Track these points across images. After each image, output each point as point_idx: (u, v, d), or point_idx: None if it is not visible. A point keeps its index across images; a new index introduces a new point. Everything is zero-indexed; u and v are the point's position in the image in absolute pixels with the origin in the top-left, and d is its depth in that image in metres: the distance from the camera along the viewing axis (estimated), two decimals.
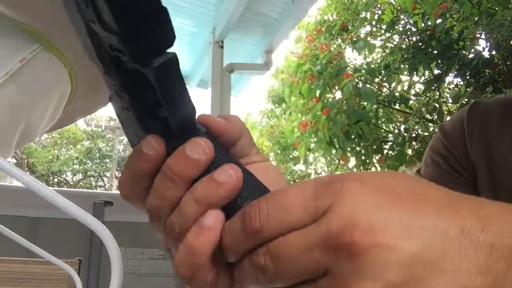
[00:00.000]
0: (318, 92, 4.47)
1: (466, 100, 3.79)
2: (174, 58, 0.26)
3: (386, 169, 4.47)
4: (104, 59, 0.27)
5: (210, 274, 0.29)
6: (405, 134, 4.36)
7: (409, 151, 4.36)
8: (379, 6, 4.62)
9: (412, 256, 0.22)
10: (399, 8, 4.27)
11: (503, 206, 0.25)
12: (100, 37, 0.26)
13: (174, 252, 0.30)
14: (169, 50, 0.26)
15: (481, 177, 0.65)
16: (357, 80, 4.26)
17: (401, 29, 4.44)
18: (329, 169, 6.06)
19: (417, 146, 4.23)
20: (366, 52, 4.70)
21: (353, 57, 5.91)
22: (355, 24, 4.63)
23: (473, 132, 0.67)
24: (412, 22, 4.17)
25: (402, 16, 4.33)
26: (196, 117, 0.31)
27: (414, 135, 4.34)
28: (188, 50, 3.54)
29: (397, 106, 4.62)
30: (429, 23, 3.99)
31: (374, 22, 4.64)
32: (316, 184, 0.25)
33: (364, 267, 0.22)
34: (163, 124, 0.28)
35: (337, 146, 4.30)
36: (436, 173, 0.68)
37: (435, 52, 3.85)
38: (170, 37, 0.25)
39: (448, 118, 4.06)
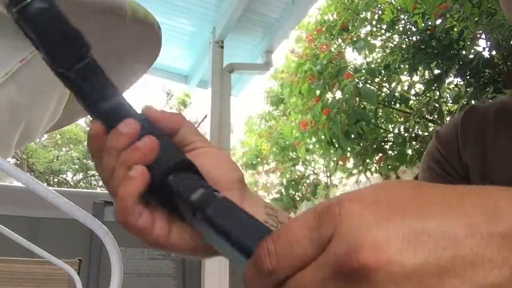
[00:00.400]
0: (318, 92, 4.47)
1: (466, 100, 3.79)
2: (90, 62, 0.34)
3: (386, 169, 4.47)
4: (56, 75, 0.35)
5: (141, 219, 0.35)
6: (405, 134, 4.37)
7: (409, 151, 4.36)
8: (379, 6, 4.62)
9: (420, 266, 0.22)
10: (399, 8, 4.27)
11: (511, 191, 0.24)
12: (43, 57, 0.34)
13: None
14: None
15: (474, 180, 0.65)
16: (357, 80, 4.25)
17: (401, 29, 4.43)
18: (328, 169, 6.06)
19: (417, 146, 4.23)
20: (367, 52, 4.70)
21: (353, 57, 5.91)
22: (355, 24, 4.63)
23: (467, 136, 0.68)
24: (412, 22, 4.17)
25: (402, 16, 4.32)
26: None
27: (414, 135, 4.34)
28: (188, 50, 3.54)
29: (397, 106, 4.62)
30: (429, 23, 3.98)
31: (374, 22, 4.64)
32: (316, 212, 0.25)
33: (378, 287, 0.22)
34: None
35: (336, 146, 4.30)
36: (432, 178, 0.69)
37: (435, 52, 3.84)
38: (81, 46, 0.34)
39: (448, 118, 4.05)
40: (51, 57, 0.33)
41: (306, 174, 6.25)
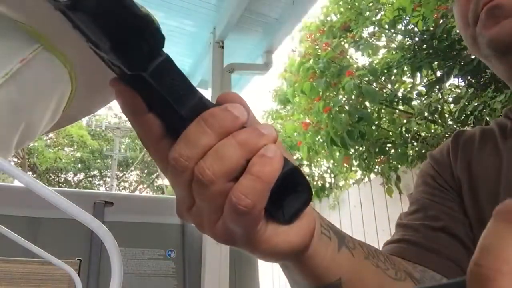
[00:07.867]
0: (320, 90, 4.46)
1: (467, 101, 3.78)
2: (166, 60, 0.29)
3: (387, 170, 4.46)
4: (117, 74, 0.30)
5: (262, 229, 0.33)
6: (407, 135, 4.36)
7: (410, 152, 4.35)
8: (381, 7, 4.61)
9: None
10: (400, 8, 4.25)
11: None
12: (102, 56, 0.28)
13: (201, 201, 0.32)
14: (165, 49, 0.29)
15: (464, 191, 0.73)
16: (359, 80, 4.24)
17: (403, 28, 4.42)
18: (332, 170, 6.05)
19: (419, 147, 4.22)
20: (370, 52, 4.68)
21: (356, 57, 5.88)
22: (358, 23, 4.61)
23: (457, 154, 0.77)
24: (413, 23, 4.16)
25: (404, 16, 4.31)
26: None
27: (415, 135, 4.33)
28: (188, 50, 3.54)
29: (400, 107, 4.62)
30: (428, 24, 3.97)
31: (376, 23, 4.62)
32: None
33: None
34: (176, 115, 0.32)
35: (339, 145, 4.28)
36: (426, 190, 0.76)
37: (437, 52, 3.84)
38: (158, 40, 0.27)
39: (449, 119, 4.05)
40: (122, 58, 0.27)
41: (311, 175, 6.22)
